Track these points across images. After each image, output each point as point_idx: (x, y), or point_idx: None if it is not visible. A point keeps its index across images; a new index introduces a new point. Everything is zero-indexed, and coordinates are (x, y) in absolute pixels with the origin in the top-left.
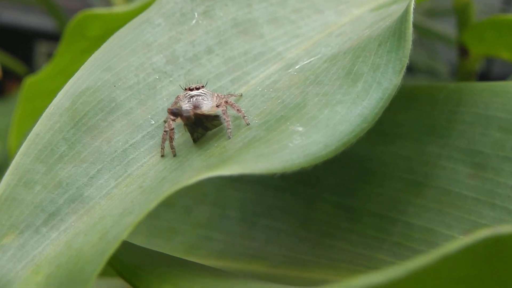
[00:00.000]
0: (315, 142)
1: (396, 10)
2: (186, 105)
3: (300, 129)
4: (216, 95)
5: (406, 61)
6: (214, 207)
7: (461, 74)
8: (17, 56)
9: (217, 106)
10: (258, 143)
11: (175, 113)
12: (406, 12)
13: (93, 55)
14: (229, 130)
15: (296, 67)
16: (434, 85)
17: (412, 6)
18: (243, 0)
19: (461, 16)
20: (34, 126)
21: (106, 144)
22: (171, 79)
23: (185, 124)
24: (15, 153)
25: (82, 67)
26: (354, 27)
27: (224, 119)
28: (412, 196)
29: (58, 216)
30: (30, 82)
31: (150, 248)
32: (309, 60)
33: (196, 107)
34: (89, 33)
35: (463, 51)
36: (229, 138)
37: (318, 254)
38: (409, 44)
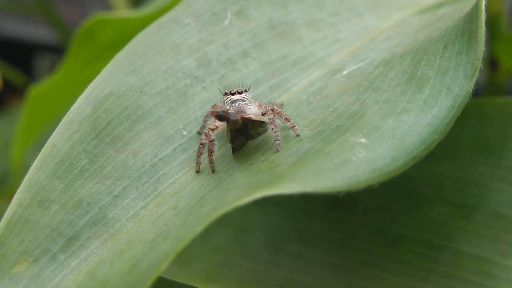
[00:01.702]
0: (382, 155)
1: (448, 13)
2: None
3: (363, 140)
4: (257, 103)
5: (479, 64)
6: (237, 231)
7: (490, 88)
8: (17, 69)
9: (262, 114)
10: (315, 157)
11: (222, 116)
12: (476, 9)
13: (116, 57)
14: (278, 142)
15: (344, 72)
16: (479, 100)
17: (484, 2)
18: (279, 1)
19: (492, 26)
20: (40, 137)
21: (132, 157)
22: (203, 84)
23: (229, 130)
24: (19, 166)
25: (104, 69)
26: (401, 31)
27: (272, 129)
28: (462, 221)
29: (78, 241)
30: (35, 92)
31: (165, 277)
32: (357, 66)
33: (240, 112)
34: (100, 39)
35: (493, 64)
36: (278, 151)
37: (354, 284)
38: (481, 45)
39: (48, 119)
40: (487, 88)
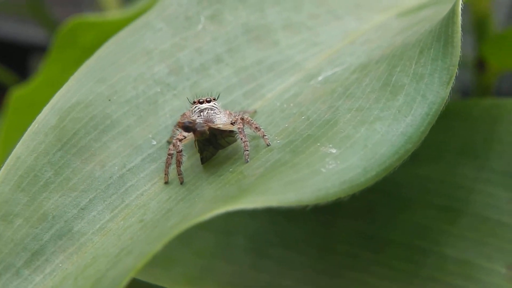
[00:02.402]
0: (352, 166)
1: (428, 15)
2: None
3: (334, 151)
4: (227, 112)
5: (455, 71)
6: (219, 234)
7: (478, 89)
8: (12, 70)
9: (231, 124)
10: (284, 167)
11: (188, 127)
12: (452, 13)
13: (85, 64)
14: (247, 152)
15: (319, 78)
16: (465, 101)
17: (460, 6)
18: (255, 4)
19: (479, 27)
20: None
21: (99, 168)
22: (175, 92)
23: (197, 141)
24: None
25: (72, 77)
26: (380, 34)
27: (241, 139)
28: (446, 224)
29: (43, 256)
30: (17, 94)
31: (147, 281)
32: (333, 71)
33: (208, 121)
34: (81, 41)
35: (481, 65)
36: (247, 161)
37: None
38: (458, 51)
39: (29, 124)
40: (475, 89)
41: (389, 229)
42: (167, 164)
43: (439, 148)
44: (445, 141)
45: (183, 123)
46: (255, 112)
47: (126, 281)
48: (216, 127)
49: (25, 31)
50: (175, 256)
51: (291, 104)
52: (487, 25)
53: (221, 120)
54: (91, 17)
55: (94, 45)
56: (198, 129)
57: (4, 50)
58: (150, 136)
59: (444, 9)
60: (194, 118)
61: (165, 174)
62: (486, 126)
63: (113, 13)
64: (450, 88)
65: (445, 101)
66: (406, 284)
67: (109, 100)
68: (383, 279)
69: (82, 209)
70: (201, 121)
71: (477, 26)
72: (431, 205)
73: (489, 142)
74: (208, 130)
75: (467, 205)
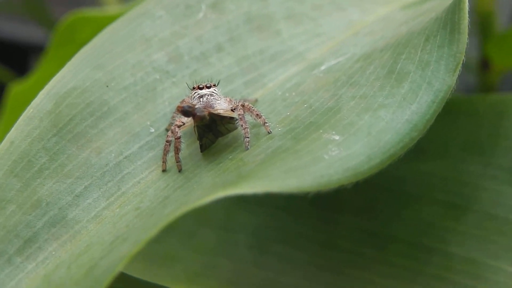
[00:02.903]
0: (356, 153)
1: (433, 7)
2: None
3: (337, 137)
4: (228, 99)
5: (461, 58)
6: (221, 231)
7: (481, 88)
8: (12, 70)
9: (232, 110)
10: (285, 154)
11: (187, 111)
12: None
13: (81, 50)
14: (247, 139)
15: (322, 68)
16: (470, 97)
17: None
18: None
19: (483, 26)
20: None
21: (95, 155)
22: (174, 79)
23: (196, 126)
24: None
25: (68, 63)
26: (384, 25)
27: (241, 125)
28: (451, 221)
29: (36, 243)
30: (15, 90)
31: (147, 280)
32: (336, 61)
33: (208, 107)
34: (80, 37)
35: (485, 64)
36: (247, 148)
37: (340, 286)
38: (464, 38)
39: None
40: (478, 88)
41: (392, 226)
42: (165, 152)
43: (444, 144)
44: (450, 137)
45: (182, 107)
46: (256, 101)
47: (119, 268)
48: (216, 112)
49: (25, 31)
50: (175, 253)
51: (293, 93)
52: (490, 24)
53: (221, 106)
54: (90, 12)
55: None
56: (197, 113)
57: (3, 49)
58: (148, 123)
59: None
60: (194, 103)
61: (163, 162)
62: (492, 122)
63: (113, 8)
64: (457, 76)
65: (451, 88)
66: (410, 282)
67: (107, 86)
68: (387, 277)
69: (77, 196)
70: (201, 106)
71: (481, 25)
72: (436, 201)
73: (495, 138)
74: (208, 115)
75: (473, 202)
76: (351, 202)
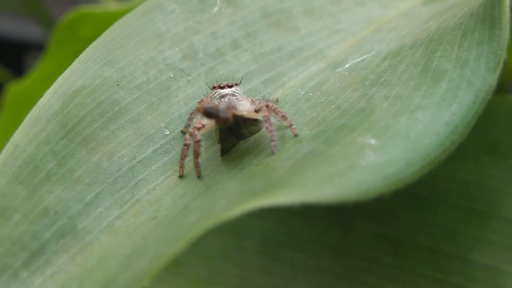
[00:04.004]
0: (394, 159)
1: (459, 1)
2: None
3: (373, 141)
4: (250, 99)
5: (503, 55)
6: (228, 236)
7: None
8: (8, 68)
9: (256, 111)
10: (317, 160)
11: (210, 113)
12: None
13: (90, 46)
14: (273, 143)
15: (346, 66)
16: (490, 99)
17: None
18: None
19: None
20: None
21: (107, 160)
22: (189, 78)
23: (218, 129)
24: None
25: (77, 60)
26: (408, 21)
27: (267, 128)
28: (473, 227)
29: (44, 256)
30: (14, 89)
31: (152, 286)
32: (361, 58)
33: (230, 108)
34: (81, 34)
35: None
36: (274, 153)
37: None
38: (506, 34)
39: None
40: None
41: (411, 233)
42: (183, 156)
43: (464, 147)
44: (468, 139)
45: (205, 108)
46: (277, 100)
47: (140, 286)
48: (240, 114)
49: (21, 29)
50: (182, 259)
51: (317, 93)
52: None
53: (245, 107)
54: (91, 8)
55: (96, 38)
56: (221, 115)
57: (0, 47)
58: (163, 125)
59: None
60: (215, 103)
61: (180, 167)
62: None
63: (115, 5)
64: (498, 74)
65: (492, 88)
66: None
67: (118, 85)
68: (404, 285)
69: (88, 204)
70: (223, 107)
71: None
72: (456, 207)
73: None
74: (231, 117)
75: (495, 207)
76: (366, 206)
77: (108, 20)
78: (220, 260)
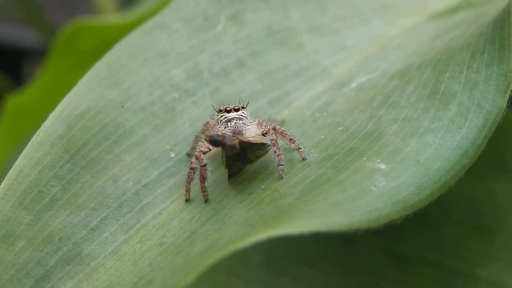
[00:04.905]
0: (405, 184)
1: (467, 18)
2: (224, 131)
3: (383, 166)
4: (257, 121)
5: None
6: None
7: None
8: (6, 74)
9: (263, 135)
10: (327, 186)
11: (217, 141)
12: (508, 14)
13: (94, 67)
14: (281, 167)
15: (352, 85)
16: None
17: None
18: (278, 4)
19: None
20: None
21: (112, 184)
22: (194, 98)
23: (225, 156)
24: None
25: (81, 81)
26: (413, 38)
27: (275, 151)
28: (477, 242)
29: (49, 283)
30: (13, 101)
31: None
32: (367, 77)
33: (237, 133)
34: (82, 46)
35: None
36: (282, 177)
37: None
38: None
39: (28, 131)
40: None
41: (416, 247)
42: (189, 179)
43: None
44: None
45: (212, 136)
46: (283, 121)
47: None
48: (247, 140)
49: (20, 35)
50: None
51: (324, 114)
52: None
53: (251, 132)
54: (92, 21)
55: (96, 51)
56: (228, 143)
57: None
58: (168, 147)
59: (484, 12)
60: (221, 129)
61: (186, 191)
62: None
63: (116, 17)
64: (508, 97)
65: (502, 111)
66: None
67: (122, 107)
68: None
69: (93, 229)
70: (230, 133)
71: None
72: (461, 222)
73: None
74: (238, 144)
75: (501, 223)
76: None
77: (109, 32)
78: (225, 273)
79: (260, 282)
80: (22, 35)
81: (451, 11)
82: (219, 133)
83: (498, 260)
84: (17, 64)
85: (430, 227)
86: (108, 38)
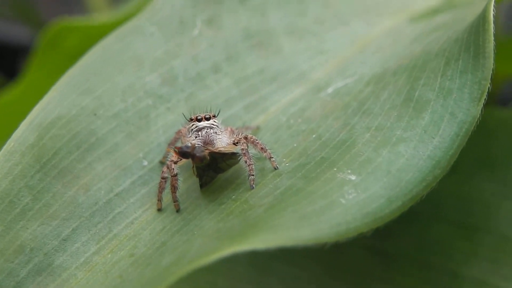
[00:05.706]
0: (375, 196)
1: (446, 21)
2: (194, 141)
3: (353, 177)
4: (229, 129)
5: (487, 85)
6: None
7: None
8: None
9: (234, 144)
10: (296, 197)
11: (186, 153)
12: (483, 20)
13: (67, 73)
14: (252, 177)
15: (329, 90)
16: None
17: (492, 12)
18: (256, 6)
19: None
20: None
21: (83, 193)
22: (168, 105)
23: (195, 167)
24: None
25: (53, 88)
26: (392, 40)
27: (245, 161)
28: (462, 240)
29: None
30: (0, 101)
31: None
32: (344, 82)
33: (207, 143)
34: (66, 45)
35: None
36: (252, 187)
37: None
38: (490, 63)
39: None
40: None
41: (400, 245)
42: (160, 189)
43: (456, 160)
44: (462, 153)
45: (180, 148)
46: (258, 128)
47: None
48: (217, 150)
49: (14, 32)
50: None
51: (299, 120)
52: None
53: (222, 142)
54: (77, 20)
55: (80, 50)
56: (197, 154)
57: None
58: (141, 155)
59: (464, 15)
60: (191, 139)
61: (158, 200)
62: (504, 138)
63: (100, 16)
64: (482, 105)
65: (476, 120)
66: None
67: (95, 114)
68: None
69: (64, 240)
70: (200, 144)
71: None
72: (446, 220)
73: (508, 154)
74: (208, 154)
75: (485, 221)
76: None
77: (93, 32)
78: (210, 272)
79: (246, 281)
80: (18, 32)
81: (432, 12)
82: (189, 144)
83: (481, 258)
84: (12, 61)
85: (417, 226)
86: (92, 38)
